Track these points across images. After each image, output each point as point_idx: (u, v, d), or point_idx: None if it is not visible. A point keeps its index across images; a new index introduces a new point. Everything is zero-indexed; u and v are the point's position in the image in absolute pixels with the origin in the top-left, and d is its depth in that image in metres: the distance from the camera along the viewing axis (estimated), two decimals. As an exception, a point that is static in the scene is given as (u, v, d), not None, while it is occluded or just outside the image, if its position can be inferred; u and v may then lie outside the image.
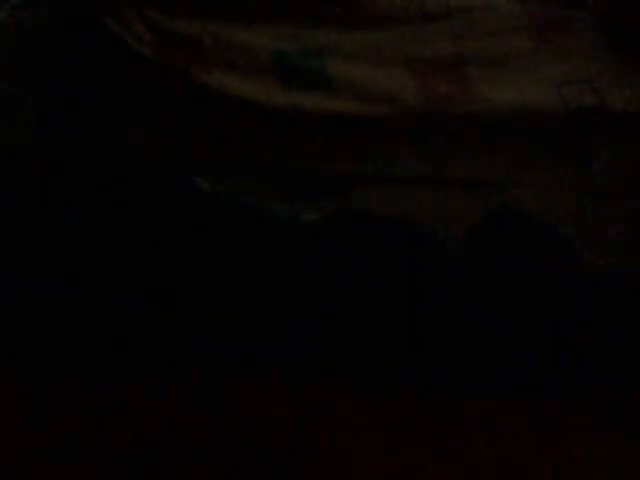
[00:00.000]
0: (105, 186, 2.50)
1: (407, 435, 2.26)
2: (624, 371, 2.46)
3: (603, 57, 2.75)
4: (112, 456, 2.12)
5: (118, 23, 2.64)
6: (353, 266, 2.48)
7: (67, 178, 2.50)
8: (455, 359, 2.44)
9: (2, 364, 2.41)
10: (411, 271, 2.49)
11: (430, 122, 2.64)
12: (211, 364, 2.40)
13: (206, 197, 2.50)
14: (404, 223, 2.57)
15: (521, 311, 2.49)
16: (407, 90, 2.64)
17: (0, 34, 2.63)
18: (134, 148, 2.58)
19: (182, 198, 2.50)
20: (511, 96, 2.65)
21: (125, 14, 2.65)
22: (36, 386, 2.35)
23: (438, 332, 2.46)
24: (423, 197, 2.65)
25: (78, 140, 2.55)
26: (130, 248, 2.46)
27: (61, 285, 2.42)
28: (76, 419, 2.24)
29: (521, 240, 2.57)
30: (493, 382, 2.44)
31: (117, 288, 2.44)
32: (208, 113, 2.61)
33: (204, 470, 2.10)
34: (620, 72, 2.74)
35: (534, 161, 2.69)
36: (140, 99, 2.62)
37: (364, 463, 2.15)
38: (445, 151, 2.66)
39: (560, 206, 2.66)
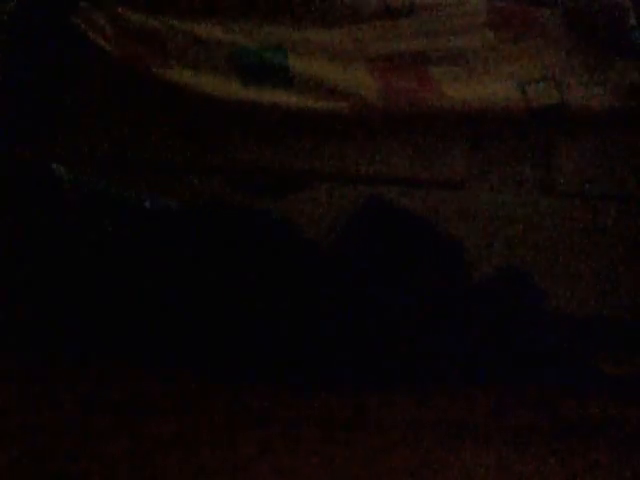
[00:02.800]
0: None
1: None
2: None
3: (568, 55, 2.75)
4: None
5: (81, 17, 2.63)
6: (192, 255, 2.48)
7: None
8: (320, 350, 2.44)
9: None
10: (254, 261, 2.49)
11: (391, 120, 2.64)
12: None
13: (59, 183, 2.50)
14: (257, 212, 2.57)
15: (392, 303, 2.49)
16: (367, 87, 2.63)
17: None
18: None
19: (36, 183, 2.51)
20: (473, 94, 2.65)
21: (89, 9, 2.64)
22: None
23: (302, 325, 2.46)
24: (382, 194, 2.66)
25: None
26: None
27: None
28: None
29: (389, 231, 2.56)
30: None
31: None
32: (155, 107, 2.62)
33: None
34: (585, 70, 2.74)
35: (496, 160, 2.69)
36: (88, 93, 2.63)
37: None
38: (405, 150, 2.66)
39: (521, 205, 2.68)
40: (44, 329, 2.49)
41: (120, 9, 2.65)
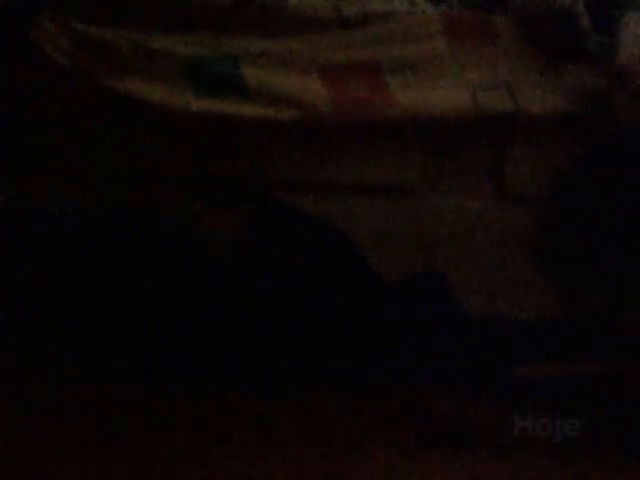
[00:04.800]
0: None
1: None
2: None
3: (522, 62, 2.75)
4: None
5: (36, 31, 2.65)
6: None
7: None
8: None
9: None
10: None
11: (344, 128, 2.64)
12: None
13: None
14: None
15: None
16: (319, 96, 2.64)
17: None
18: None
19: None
20: (425, 101, 2.66)
21: (44, 22, 2.67)
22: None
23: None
24: (343, 203, 2.66)
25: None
26: None
27: None
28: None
29: (288, 237, 2.58)
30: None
31: None
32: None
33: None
34: (538, 76, 2.74)
35: (448, 166, 2.69)
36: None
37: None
38: (359, 157, 2.66)
39: (470, 210, 2.67)
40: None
41: (75, 22, 2.67)
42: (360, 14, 2.76)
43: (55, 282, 2.56)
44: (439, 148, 2.69)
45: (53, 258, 2.59)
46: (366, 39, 2.74)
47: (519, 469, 2.18)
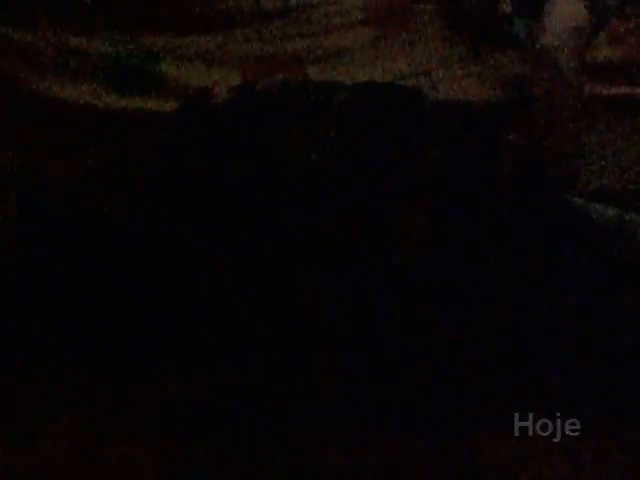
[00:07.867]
0: None
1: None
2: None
3: (444, 49, 2.72)
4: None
5: None
6: None
7: None
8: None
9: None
10: None
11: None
12: None
13: None
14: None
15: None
16: None
17: None
18: None
19: None
20: None
21: None
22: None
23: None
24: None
25: None
26: None
27: None
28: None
29: None
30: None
31: None
32: None
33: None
34: (460, 63, 2.71)
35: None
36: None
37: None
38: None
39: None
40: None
41: None
42: (281, 6, 2.75)
43: None
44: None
45: None
46: (287, 31, 2.72)
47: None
